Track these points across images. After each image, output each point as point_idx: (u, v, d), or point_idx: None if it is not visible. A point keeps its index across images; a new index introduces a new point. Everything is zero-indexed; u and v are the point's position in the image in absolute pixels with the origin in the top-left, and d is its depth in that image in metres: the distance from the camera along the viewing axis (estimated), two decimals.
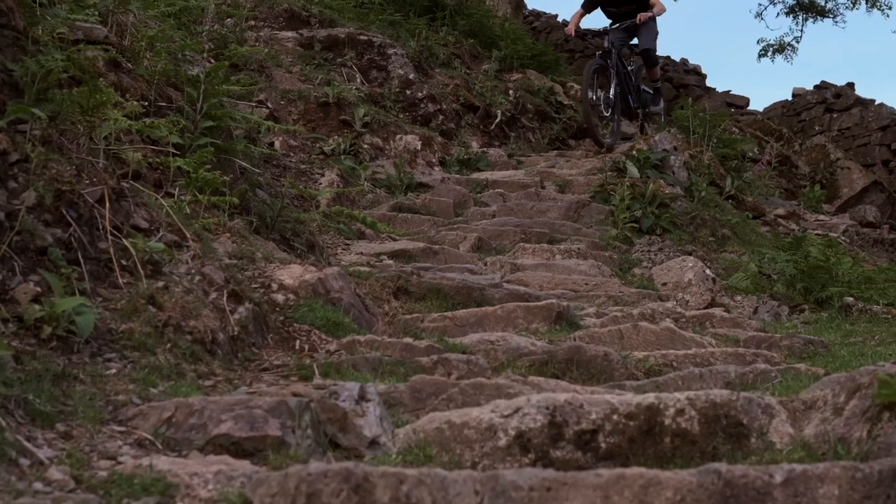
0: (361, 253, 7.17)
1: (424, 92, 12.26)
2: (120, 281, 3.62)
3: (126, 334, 3.35)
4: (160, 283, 3.70)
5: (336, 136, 10.12)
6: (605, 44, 13.44)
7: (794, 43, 25.61)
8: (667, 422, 2.74)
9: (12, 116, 3.57)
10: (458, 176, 10.61)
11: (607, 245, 8.48)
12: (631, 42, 14.34)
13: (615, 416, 2.75)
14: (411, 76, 12.12)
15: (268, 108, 9.85)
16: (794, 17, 25.42)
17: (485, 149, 12.41)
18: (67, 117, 4.03)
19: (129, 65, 5.49)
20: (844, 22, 25.50)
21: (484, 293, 5.08)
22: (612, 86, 13.26)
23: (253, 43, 11.18)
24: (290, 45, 12.05)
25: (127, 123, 4.49)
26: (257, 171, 6.22)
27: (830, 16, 24.96)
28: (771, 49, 25.65)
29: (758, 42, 26.26)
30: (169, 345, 3.43)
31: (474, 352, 4.04)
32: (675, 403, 2.75)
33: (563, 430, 2.75)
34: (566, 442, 2.73)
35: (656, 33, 14.20)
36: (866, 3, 24.57)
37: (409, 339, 4.07)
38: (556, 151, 14.70)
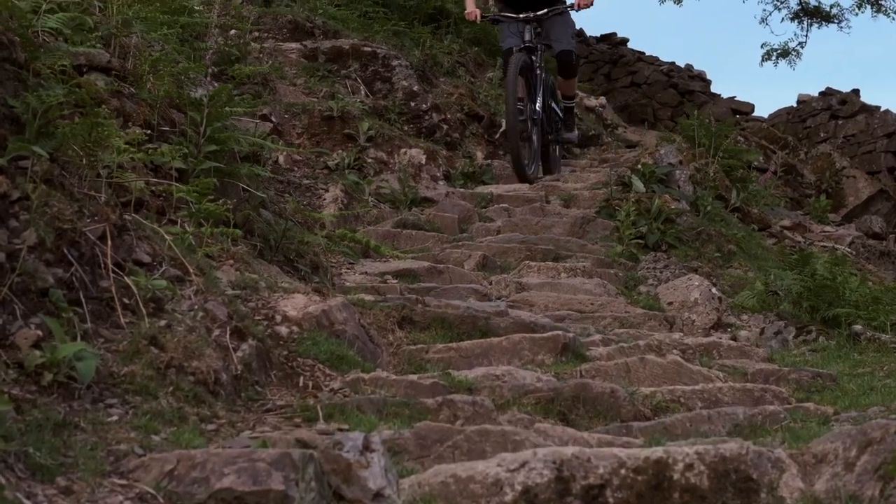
0: (366, 272, 7.13)
1: (429, 103, 12.21)
2: (122, 321, 3.59)
3: (128, 378, 3.32)
4: (162, 322, 3.67)
5: (340, 151, 10.08)
6: (526, 34, 10.62)
7: (798, 48, 25.54)
8: (675, 476, 2.71)
9: (13, 154, 3.53)
10: (462, 190, 10.56)
11: (612, 262, 8.43)
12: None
13: (623, 471, 2.72)
14: (415, 88, 12.08)
15: (272, 122, 9.82)
16: (799, 23, 25.35)
17: (489, 160, 12.36)
18: (69, 148, 3.99)
19: (132, 89, 5.45)
20: (849, 27, 25.43)
21: (489, 322, 5.04)
22: (538, 96, 10.73)
23: (257, 55, 11.16)
24: (294, 56, 12.02)
25: (129, 156, 4.45)
26: (262, 195, 6.17)
27: (835, 21, 24.88)
28: (774, 54, 25.57)
29: (762, 46, 26.10)
30: (171, 388, 3.39)
31: (480, 388, 4.00)
32: (684, 458, 2.72)
33: (571, 485, 2.71)
34: (573, 497, 2.70)
35: (575, 30, 11.51)
36: (872, 8, 24.50)
37: (413, 377, 4.03)
38: (561, 161, 14.64)
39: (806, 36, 25.47)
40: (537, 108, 10.67)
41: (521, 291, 7.25)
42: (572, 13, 11.03)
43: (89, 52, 5.13)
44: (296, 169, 9.39)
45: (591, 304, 7.09)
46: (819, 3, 25.05)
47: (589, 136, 16.69)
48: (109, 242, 3.73)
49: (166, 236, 4.17)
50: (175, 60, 6.00)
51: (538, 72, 10.70)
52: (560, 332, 4.78)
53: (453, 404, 3.61)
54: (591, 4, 10.68)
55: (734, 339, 6.20)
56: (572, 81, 11.87)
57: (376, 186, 9.78)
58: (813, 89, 21.47)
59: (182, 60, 6.59)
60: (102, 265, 3.68)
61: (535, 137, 10.73)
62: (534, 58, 10.63)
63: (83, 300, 3.50)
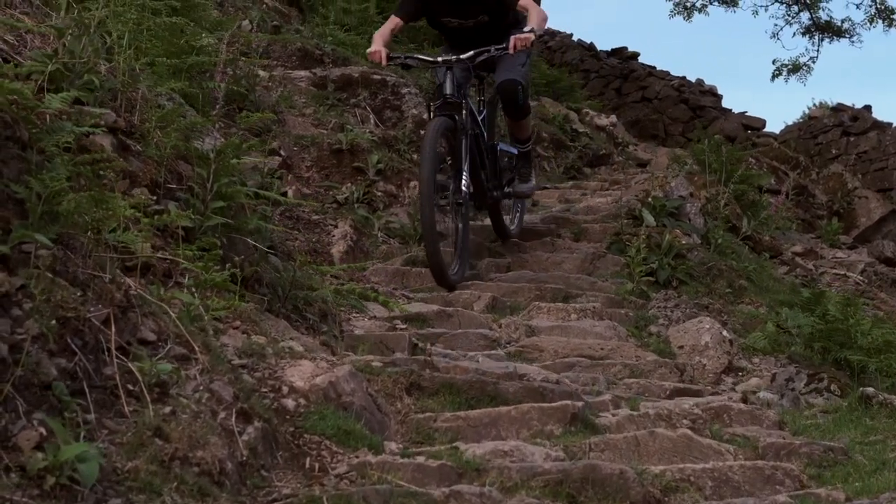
0: (375, 317, 7.10)
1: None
2: (126, 409, 3.55)
3: (132, 474, 3.28)
4: (167, 409, 3.63)
5: (349, 184, 10.04)
6: (447, 87, 8.13)
7: (809, 63, 25.52)
8: None
9: (16, 241, 3.51)
10: (471, 223, 10.52)
11: (623, 300, 8.39)
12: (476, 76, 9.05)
13: None
14: (425, 116, 12.08)
15: (280, 155, 9.80)
16: (811, 38, 25.33)
17: None
18: (73, 226, 3.97)
19: (139, 147, 5.43)
20: (861, 42, 25.42)
21: (498, 387, 5.00)
22: (464, 168, 8.25)
23: (266, 84, 11.13)
24: (304, 84, 11.99)
25: (136, 228, 4.43)
26: (269, 250, 6.15)
27: (847, 36, 24.87)
28: (785, 69, 25.56)
29: (773, 62, 26.13)
30: (176, 482, 3.35)
31: (488, 468, 3.96)
32: None
33: None
34: None
35: (527, 60, 8.76)
36: (883, 22, 24.46)
37: (420, 458, 3.99)
38: (571, 182, 14.65)
39: (817, 51, 25.49)
40: (463, 187, 8.18)
41: (530, 335, 7.23)
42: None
43: (96, 111, 5.10)
44: (304, 203, 9.36)
45: (601, 348, 7.06)
46: (830, 17, 25.02)
47: (599, 156, 16.70)
48: (113, 327, 3.70)
49: (171, 313, 4.13)
50: (182, 114, 5.96)
51: (462, 138, 8.21)
52: (569, 403, 4.74)
53: (461, 496, 3.57)
54: (530, 44, 8.12)
55: (744, 399, 6.15)
56: (523, 123, 9.21)
57: (385, 221, 9.74)
58: (824, 95, 21.48)
59: (189, 111, 6.58)
60: (106, 350, 3.65)
61: (461, 225, 8.26)
62: (458, 117, 8.13)
63: (87, 390, 3.47)
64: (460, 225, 8.27)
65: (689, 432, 4.51)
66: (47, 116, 4.13)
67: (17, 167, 3.80)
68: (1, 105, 3.52)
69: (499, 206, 9.37)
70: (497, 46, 8.17)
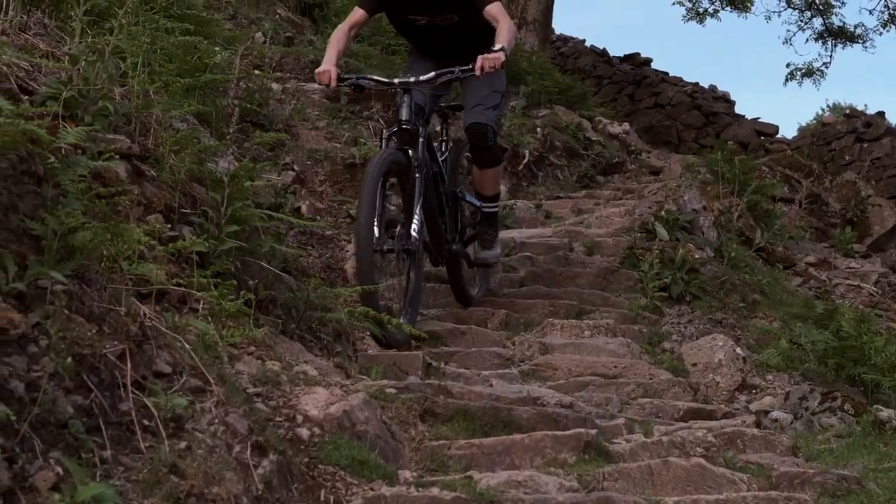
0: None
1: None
2: (142, 445, 3.57)
3: None
4: (182, 444, 3.65)
5: None
6: (403, 113, 7.14)
7: (822, 68, 25.53)
8: None
9: (32, 278, 3.53)
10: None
11: (636, 316, 8.41)
12: (444, 103, 8.14)
13: None
14: (437, 128, 12.09)
15: (294, 170, 9.81)
16: (823, 43, 25.32)
17: (513, 201, 12.34)
18: (88, 260, 3.98)
19: (153, 172, 5.45)
20: (874, 47, 25.41)
21: (512, 414, 5.01)
22: (416, 205, 7.05)
23: (279, 97, 11.15)
24: (317, 97, 12.01)
25: (151, 255, 4.46)
26: (285, 272, 6.18)
27: (860, 41, 24.85)
28: (799, 74, 25.57)
29: (787, 66, 26.16)
30: None
31: (502, 500, 3.98)
32: None
33: None
34: None
35: (501, 92, 7.77)
36: None
37: (435, 490, 3.99)
38: (584, 191, 14.66)
39: (830, 56, 25.49)
40: (414, 231, 6.94)
41: (544, 353, 7.24)
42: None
43: (109, 137, 5.13)
44: (318, 218, 9.36)
45: (615, 366, 7.08)
46: (843, 23, 25.01)
47: (612, 164, 16.70)
48: (129, 363, 3.71)
49: (186, 345, 4.15)
50: (196, 137, 5.99)
51: (417, 174, 7.08)
52: (583, 431, 4.74)
53: None
54: (498, 66, 7.00)
55: (758, 422, 6.16)
56: (492, 174, 8.01)
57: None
58: (838, 96, 21.51)
59: (203, 134, 6.61)
60: (122, 386, 3.67)
61: (412, 275, 7.04)
62: (412, 150, 7.10)
63: (103, 426, 3.49)
64: (411, 275, 7.00)
65: (702, 461, 4.52)
66: (62, 149, 4.15)
67: (32, 202, 3.82)
68: (17, 141, 3.53)
69: (458, 263, 8.10)
70: (462, 67, 7.11)
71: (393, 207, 7.78)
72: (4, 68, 4.74)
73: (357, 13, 7.68)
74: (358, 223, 6.66)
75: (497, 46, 7.06)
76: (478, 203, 8.18)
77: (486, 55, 6.97)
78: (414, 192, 7.05)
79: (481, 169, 7.93)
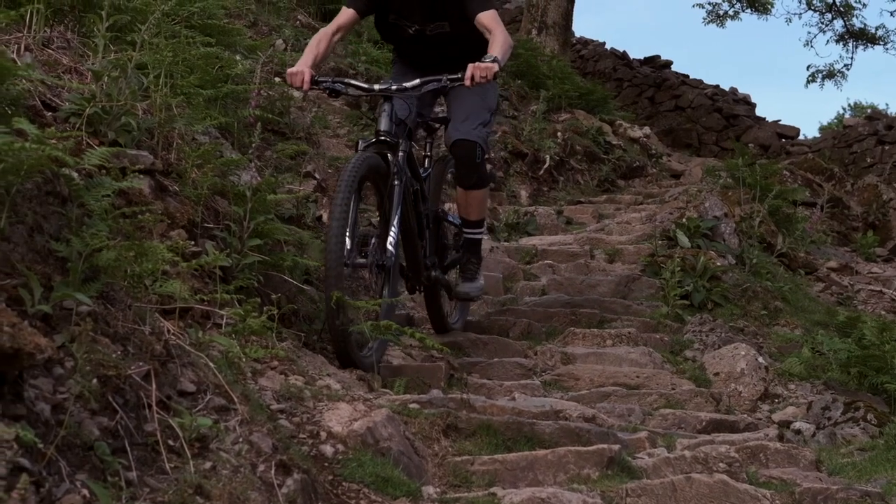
0: (412, 346, 7.12)
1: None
2: (167, 466, 3.59)
3: None
4: (207, 465, 3.67)
5: None
6: (382, 123, 6.50)
7: (843, 70, 25.49)
8: None
9: (57, 300, 3.54)
10: (506, 244, 10.55)
11: (658, 324, 8.41)
12: (431, 115, 7.43)
13: None
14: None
15: (315, 178, 9.82)
16: (844, 45, 25.28)
17: (534, 207, 12.36)
18: (113, 280, 4.00)
19: (176, 187, 5.48)
20: None
21: (535, 428, 5.01)
22: (392, 225, 6.32)
23: (300, 105, 11.17)
24: (338, 104, 12.02)
25: (174, 271, 4.48)
26: (306, 287, 6.19)
27: (881, 43, 24.80)
28: (820, 76, 25.54)
29: (807, 69, 26.19)
30: None
31: None
32: None
33: None
34: None
35: (490, 107, 7.09)
36: None
37: None
38: (605, 196, 14.69)
39: (851, 58, 25.47)
40: (389, 245, 6.25)
41: (566, 363, 7.25)
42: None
43: (132, 153, 5.15)
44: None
45: (637, 376, 7.08)
46: (864, 25, 24.97)
47: (633, 168, 16.71)
48: (154, 383, 3.73)
49: (210, 364, 4.17)
50: (219, 151, 6.01)
51: (396, 184, 6.42)
52: (605, 447, 4.74)
53: None
54: (490, 77, 6.30)
55: (781, 435, 6.15)
56: (478, 196, 7.21)
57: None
58: (859, 95, 21.47)
59: (225, 147, 6.63)
60: (147, 406, 3.68)
61: (385, 294, 6.33)
62: (391, 158, 6.45)
63: (128, 447, 3.50)
64: (385, 293, 6.31)
65: (725, 478, 4.51)
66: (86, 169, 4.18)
67: (57, 222, 3.85)
68: (42, 164, 3.55)
69: (437, 292, 7.42)
70: (451, 76, 6.45)
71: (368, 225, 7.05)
72: (28, 85, 4.77)
73: (345, 14, 6.98)
74: (328, 234, 5.84)
75: (490, 56, 6.40)
76: (462, 226, 7.43)
77: (477, 64, 6.31)
78: (392, 203, 6.37)
79: (466, 191, 7.14)
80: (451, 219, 7.55)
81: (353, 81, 6.80)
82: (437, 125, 7.37)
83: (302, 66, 6.62)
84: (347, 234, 5.87)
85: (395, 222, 6.29)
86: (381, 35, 7.51)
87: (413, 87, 6.54)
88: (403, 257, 6.83)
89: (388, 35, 7.28)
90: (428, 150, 7.50)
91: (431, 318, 7.49)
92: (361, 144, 6.42)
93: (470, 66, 6.30)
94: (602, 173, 15.76)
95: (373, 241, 6.24)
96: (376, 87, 6.66)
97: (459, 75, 6.37)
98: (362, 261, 6.11)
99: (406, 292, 7.39)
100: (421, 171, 7.11)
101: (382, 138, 6.42)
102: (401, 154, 6.48)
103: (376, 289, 6.33)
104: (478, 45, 6.65)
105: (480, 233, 7.47)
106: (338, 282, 5.68)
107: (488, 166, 7.75)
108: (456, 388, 6.22)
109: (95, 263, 3.82)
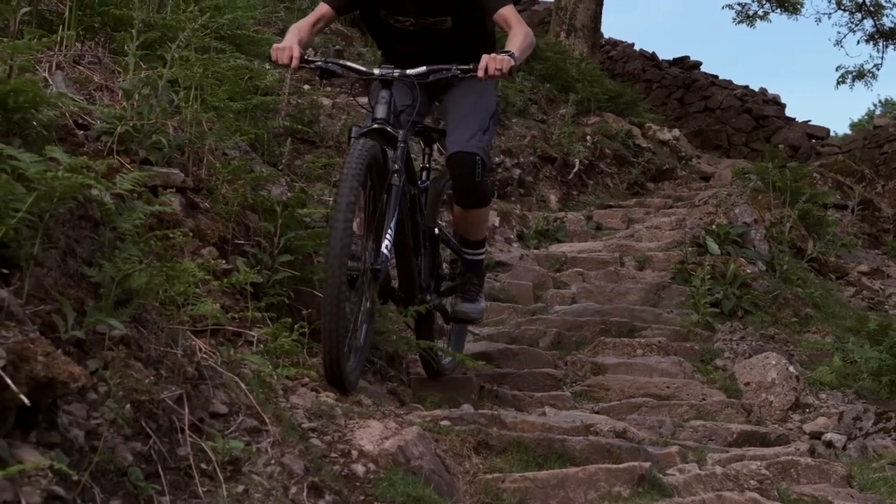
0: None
1: (499, 157, 12.21)
2: (200, 490, 3.61)
3: None
4: (240, 488, 3.69)
5: None
6: (379, 110, 5.70)
7: (874, 70, 25.38)
8: None
9: (90, 326, 3.57)
10: (536, 251, 10.55)
11: (688, 333, 8.40)
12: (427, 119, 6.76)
13: None
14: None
15: None
16: (875, 45, 25.17)
17: (563, 213, 12.35)
18: (146, 302, 4.03)
19: (206, 203, 5.50)
20: None
21: (565, 445, 5.02)
22: (391, 219, 5.53)
23: (329, 113, 11.19)
24: (366, 111, 12.01)
25: (205, 289, 4.50)
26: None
27: None
28: (850, 76, 25.44)
29: (836, 69, 26.11)
30: None
31: None
32: None
33: None
34: None
35: (494, 109, 6.35)
36: None
37: None
38: (634, 199, 14.66)
39: (882, 57, 25.37)
40: (384, 250, 5.45)
41: (596, 374, 7.25)
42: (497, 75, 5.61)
43: (163, 171, 5.18)
44: None
45: (668, 387, 7.08)
46: (894, 24, 24.85)
47: (663, 171, 16.67)
48: (186, 406, 3.75)
49: (242, 385, 4.19)
50: (249, 166, 6.03)
51: (394, 183, 5.60)
52: (636, 465, 4.74)
53: None
54: (506, 71, 5.49)
55: (812, 449, 6.13)
56: (478, 215, 6.53)
57: (450, 253, 9.76)
58: (891, 91, 21.38)
59: (255, 161, 6.65)
60: (179, 430, 3.71)
61: (366, 303, 5.50)
62: (391, 151, 5.61)
63: (161, 472, 3.52)
64: (366, 302, 5.50)
65: (756, 496, 4.50)
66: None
67: (89, 246, 3.87)
68: (74, 190, 3.57)
69: (431, 317, 6.59)
70: (461, 66, 5.65)
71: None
72: (61, 104, 4.79)
73: (322, 8, 6.27)
74: (333, 229, 5.02)
75: (506, 50, 5.68)
76: (462, 249, 6.73)
77: (493, 55, 5.57)
78: (390, 203, 5.56)
79: (466, 210, 6.40)
80: (450, 240, 6.78)
81: (349, 63, 6.16)
82: (435, 135, 6.51)
83: (288, 43, 6.00)
84: (352, 231, 5.13)
85: (391, 224, 5.50)
86: (370, 32, 6.73)
87: (418, 75, 5.72)
88: (395, 275, 6.06)
89: (376, 31, 6.50)
90: (426, 161, 6.60)
91: (421, 356, 6.51)
92: (355, 132, 5.60)
93: (485, 56, 5.57)
94: (632, 176, 15.74)
95: (369, 243, 5.50)
96: (376, 70, 5.82)
97: (472, 66, 5.62)
98: (355, 264, 5.27)
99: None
100: (419, 182, 6.33)
101: (380, 126, 5.59)
102: (400, 148, 5.66)
103: (357, 296, 5.37)
104: (482, 45, 6.05)
105: (482, 253, 6.81)
106: (341, 286, 4.94)
107: (489, 179, 7.08)
108: (487, 401, 6.23)
109: (128, 287, 3.84)
